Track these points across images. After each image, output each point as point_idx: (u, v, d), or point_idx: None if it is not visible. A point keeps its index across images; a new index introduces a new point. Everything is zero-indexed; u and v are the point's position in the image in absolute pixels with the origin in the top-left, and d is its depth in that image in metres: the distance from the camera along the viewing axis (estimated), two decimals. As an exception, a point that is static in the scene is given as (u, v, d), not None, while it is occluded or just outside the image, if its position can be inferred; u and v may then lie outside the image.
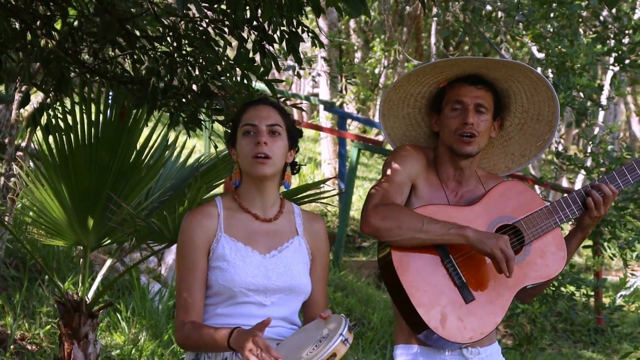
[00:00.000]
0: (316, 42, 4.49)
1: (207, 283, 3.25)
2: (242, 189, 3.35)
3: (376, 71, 18.46)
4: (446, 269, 3.45)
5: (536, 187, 11.91)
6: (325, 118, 16.57)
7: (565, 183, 17.16)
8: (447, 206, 3.52)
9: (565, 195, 3.65)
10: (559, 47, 8.40)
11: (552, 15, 9.23)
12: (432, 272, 3.44)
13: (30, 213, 5.02)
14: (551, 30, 9.21)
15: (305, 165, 6.27)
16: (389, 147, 11.65)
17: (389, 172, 3.56)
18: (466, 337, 3.40)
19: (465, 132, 3.50)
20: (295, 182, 14.16)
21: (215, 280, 3.22)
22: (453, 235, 3.41)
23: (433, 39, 16.00)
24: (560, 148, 8.34)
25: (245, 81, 4.28)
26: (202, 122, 4.53)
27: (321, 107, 15.19)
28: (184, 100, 4.48)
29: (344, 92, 17.64)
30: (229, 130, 3.55)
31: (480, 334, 3.42)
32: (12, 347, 6.64)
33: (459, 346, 3.45)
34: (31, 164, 6.09)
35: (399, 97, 3.62)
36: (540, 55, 9.79)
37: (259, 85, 5.41)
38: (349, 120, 15.40)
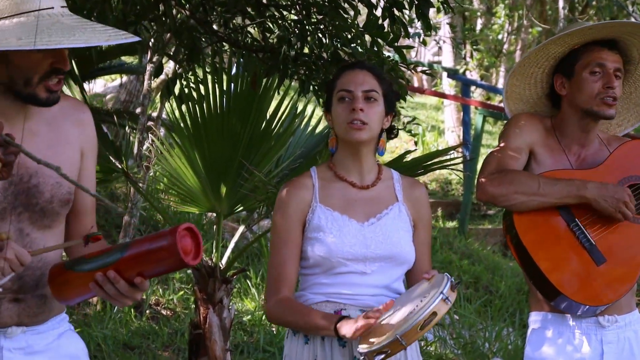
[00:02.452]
0: (444, 7, 4.46)
1: (304, 254, 3.20)
2: (337, 156, 3.29)
3: (499, 37, 18.18)
4: (573, 233, 3.39)
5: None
6: (448, 85, 16.41)
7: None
8: (570, 170, 3.46)
9: None
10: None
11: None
12: (559, 236, 3.39)
13: (165, 180, 5.14)
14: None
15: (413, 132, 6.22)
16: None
17: (504, 139, 3.51)
18: (601, 300, 3.34)
19: (609, 95, 3.43)
20: (419, 150, 14.09)
21: (312, 251, 3.17)
22: (572, 197, 3.36)
23: (561, 3, 15.64)
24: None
25: (375, 48, 4.28)
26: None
27: (444, 74, 15.05)
28: (314, 68, 4.50)
29: (467, 59, 17.44)
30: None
31: (616, 297, 3.35)
32: (147, 312, 6.84)
33: (594, 311, 3.38)
34: (163, 132, 6.22)
35: (536, 57, 3.57)
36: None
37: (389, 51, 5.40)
38: (472, 87, 15.21)
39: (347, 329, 2.96)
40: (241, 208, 4.99)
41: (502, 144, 3.51)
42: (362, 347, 2.93)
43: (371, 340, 2.92)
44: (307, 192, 3.23)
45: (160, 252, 2.51)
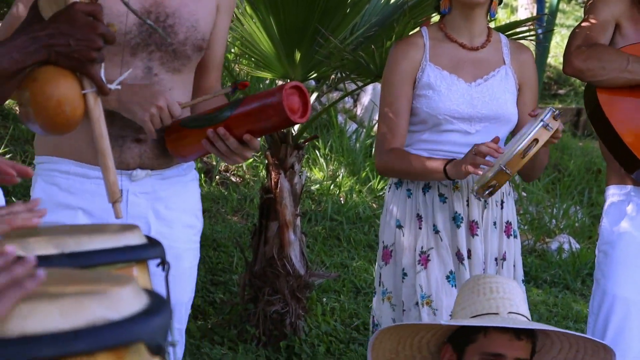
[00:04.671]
0: None
1: (412, 110, 3.26)
2: (449, 18, 3.31)
3: None
4: None
5: None
6: (523, -39, 16.02)
7: None
8: None
9: None
10: None
11: None
12: None
13: (236, 46, 5.13)
14: None
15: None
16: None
17: (592, 12, 3.44)
18: None
19: None
20: (491, 24, 13.80)
21: (420, 107, 3.23)
22: None
23: None
24: None
25: None
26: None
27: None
28: None
29: None
30: None
31: None
32: (217, 177, 6.93)
33: None
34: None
35: None
36: None
37: None
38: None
39: (454, 168, 3.05)
40: (315, 74, 4.97)
41: (589, 17, 3.45)
42: (474, 184, 3.04)
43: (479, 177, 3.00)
44: (417, 51, 3.27)
45: (268, 109, 2.52)
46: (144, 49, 2.68)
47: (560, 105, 11.74)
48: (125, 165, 2.73)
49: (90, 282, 1.28)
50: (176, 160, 2.82)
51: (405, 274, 3.21)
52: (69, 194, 2.33)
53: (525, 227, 7.12)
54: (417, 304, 3.17)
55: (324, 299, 5.45)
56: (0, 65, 1.96)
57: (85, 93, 2.06)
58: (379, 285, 3.29)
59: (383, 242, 3.29)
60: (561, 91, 12.49)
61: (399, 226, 3.26)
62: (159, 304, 1.25)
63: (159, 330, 1.21)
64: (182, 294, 2.87)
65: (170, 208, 2.84)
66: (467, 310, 2.67)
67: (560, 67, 13.28)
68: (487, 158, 3.00)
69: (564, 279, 6.37)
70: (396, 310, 3.24)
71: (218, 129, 2.57)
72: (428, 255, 3.19)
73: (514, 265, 3.32)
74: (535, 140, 2.91)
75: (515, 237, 3.33)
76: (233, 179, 7.07)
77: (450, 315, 2.94)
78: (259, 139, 2.67)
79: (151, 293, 1.29)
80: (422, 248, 3.19)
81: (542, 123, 2.91)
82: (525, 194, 7.73)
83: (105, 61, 2.26)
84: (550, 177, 8.37)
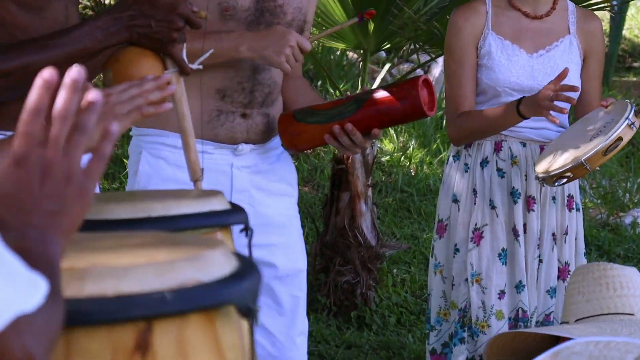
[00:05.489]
0: None
1: None
2: None
3: None
4: None
5: None
6: None
7: None
8: None
9: None
10: None
11: None
12: None
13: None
14: None
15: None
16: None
17: None
18: None
19: None
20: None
21: (480, 77, 3.16)
22: None
23: None
24: None
25: None
26: None
27: None
28: None
29: None
30: None
31: None
32: (288, 148, 6.96)
33: None
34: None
35: None
36: None
37: None
38: None
39: (529, 108, 2.97)
40: (388, 45, 4.96)
41: None
42: (540, 170, 2.96)
43: (549, 165, 2.94)
44: (480, 18, 3.20)
45: (402, 104, 2.56)
46: (256, 27, 2.71)
47: (634, 79, 11.55)
48: (233, 140, 2.76)
49: (181, 245, 1.30)
50: (275, 132, 2.84)
51: (457, 250, 3.19)
52: (177, 167, 2.37)
53: (598, 201, 7.03)
54: (466, 280, 3.16)
55: (395, 270, 5.45)
56: (83, 44, 2.00)
57: (167, 73, 2.09)
58: (432, 257, 3.28)
59: (438, 215, 3.27)
60: (635, 64, 12.28)
61: (455, 200, 3.22)
62: (248, 268, 1.26)
63: (249, 293, 1.23)
64: (298, 261, 2.90)
65: (271, 180, 2.87)
66: (593, 304, 2.55)
67: (635, 39, 13.06)
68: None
69: (638, 253, 6.29)
70: (446, 282, 3.23)
71: (346, 125, 2.60)
72: (482, 232, 3.16)
73: (575, 239, 3.28)
74: (619, 139, 2.85)
75: (577, 210, 3.27)
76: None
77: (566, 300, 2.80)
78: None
79: (240, 257, 1.31)
80: (475, 224, 3.16)
81: (627, 121, 2.84)
82: (598, 168, 7.63)
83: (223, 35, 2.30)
84: (625, 151, 8.25)
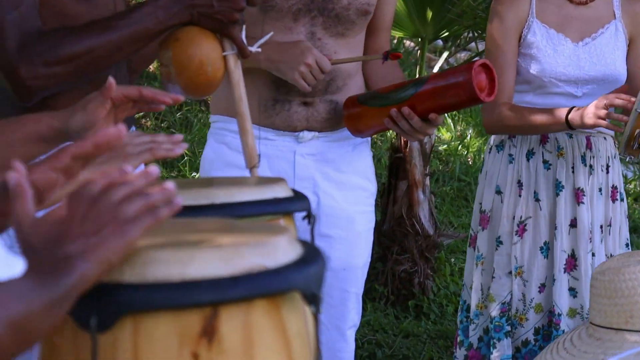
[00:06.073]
0: None
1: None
2: None
3: None
4: None
5: None
6: None
7: None
8: None
9: None
10: None
11: None
12: None
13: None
14: None
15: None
16: None
17: None
18: None
19: None
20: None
21: (525, 68, 3.09)
22: None
23: None
24: None
25: None
26: None
27: None
28: None
29: None
30: None
31: None
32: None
33: None
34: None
35: None
36: None
37: None
38: None
39: (579, 118, 2.92)
40: (446, 33, 4.93)
41: None
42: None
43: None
44: (523, 5, 3.12)
45: (456, 88, 2.55)
46: (305, 14, 2.70)
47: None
48: (293, 127, 2.76)
49: (246, 231, 1.30)
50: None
51: (500, 242, 3.13)
52: (239, 153, 2.38)
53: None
54: (510, 273, 3.11)
55: (452, 260, 5.43)
56: (144, 25, 2.00)
57: (226, 55, 2.08)
58: (474, 249, 3.22)
59: (480, 205, 3.21)
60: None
61: (498, 192, 3.17)
62: (313, 254, 1.26)
63: (314, 279, 1.22)
64: (357, 257, 2.88)
65: (341, 170, 2.85)
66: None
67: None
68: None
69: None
70: (484, 275, 3.17)
71: (402, 108, 2.59)
72: (525, 225, 3.11)
73: (619, 230, 3.22)
74: None
75: (621, 200, 3.21)
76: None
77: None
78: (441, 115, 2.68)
79: (305, 243, 1.31)
80: (520, 217, 3.11)
81: None
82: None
83: (267, 27, 2.28)
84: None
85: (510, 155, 3.17)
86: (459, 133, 7.22)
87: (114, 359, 1.16)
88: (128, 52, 2.04)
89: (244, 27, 2.12)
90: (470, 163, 6.83)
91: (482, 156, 6.97)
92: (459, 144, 6.99)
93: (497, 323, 3.13)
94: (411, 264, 4.90)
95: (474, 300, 3.18)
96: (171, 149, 1.77)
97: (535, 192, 3.12)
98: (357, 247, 2.87)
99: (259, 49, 2.18)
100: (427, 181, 4.99)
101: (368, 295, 4.85)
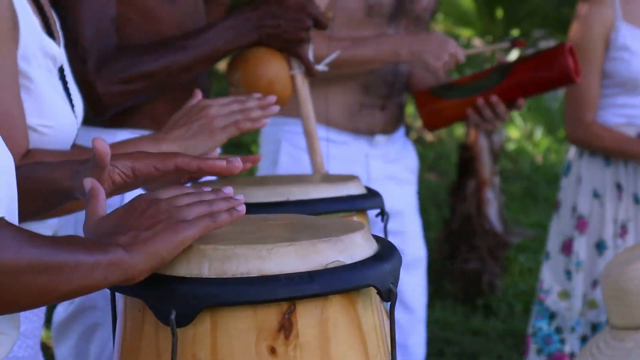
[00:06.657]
0: None
1: (605, 73, 3.09)
2: None
3: None
4: None
5: None
6: None
7: None
8: None
9: None
10: None
11: None
12: None
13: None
14: None
15: None
16: None
17: None
18: None
19: None
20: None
21: (619, 71, 3.05)
22: None
23: None
24: None
25: None
26: None
27: None
28: None
29: None
30: None
31: None
32: (414, 135, 6.94)
33: None
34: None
35: None
36: None
37: None
38: None
39: None
40: (516, 31, 4.90)
41: None
42: None
43: None
44: (607, 9, 3.07)
45: (550, 71, 2.54)
46: (397, 18, 2.76)
47: None
48: (371, 131, 2.81)
49: (321, 227, 1.31)
50: (403, 121, 2.87)
51: (605, 247, 3.10)
52: None
53: None
54: None
55: (521, 258, 5.39)
56: (215, 45, 2.04)
57: (294, 74, 2.11)
58: (567, 255, 3.17)
59: (576, 209, 3.15)
60: None
61: (596, 195, 3.13)
62: (389, 250, 1.27)
63: (390, 275, 1.23)
64: (418, 249, 2.94)
65: (399, 168, 2.90)
66: None
67: None
68: None
69: None
70: (585, 282, 3.13)
71: (491, 96, 2.58)
72: (627, 228, 3.08)
73: None
74: None
75: None
76: (428, 137, 7.08)
77: None
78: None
79: (380, 239, 1.32)
80: (622, 220, 3.08)
81: None
82: None
83: (363, 29, 2.32)
84: None
85: (606, 158, 3.12)
86: (527, 131, 7.17)
87: (193, 354, 1.18)
88: (196, 71, 2.09)
89: (311, 45, 2.14)
90: (539, 161, 6.78)
91: (551, 155, 6.92)
92: (528, 143, 6.94)
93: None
94: (480, 263, 4.88)
95: (577, 308, 3.12)
96: (257, 118, 1.79)
97: (634, 194, 3.09)
98: (417, 240, 2.94)
99: (326, 68, 2.20)
100: (496, 180, 4.97)
101: (436, 293, 4.84)
